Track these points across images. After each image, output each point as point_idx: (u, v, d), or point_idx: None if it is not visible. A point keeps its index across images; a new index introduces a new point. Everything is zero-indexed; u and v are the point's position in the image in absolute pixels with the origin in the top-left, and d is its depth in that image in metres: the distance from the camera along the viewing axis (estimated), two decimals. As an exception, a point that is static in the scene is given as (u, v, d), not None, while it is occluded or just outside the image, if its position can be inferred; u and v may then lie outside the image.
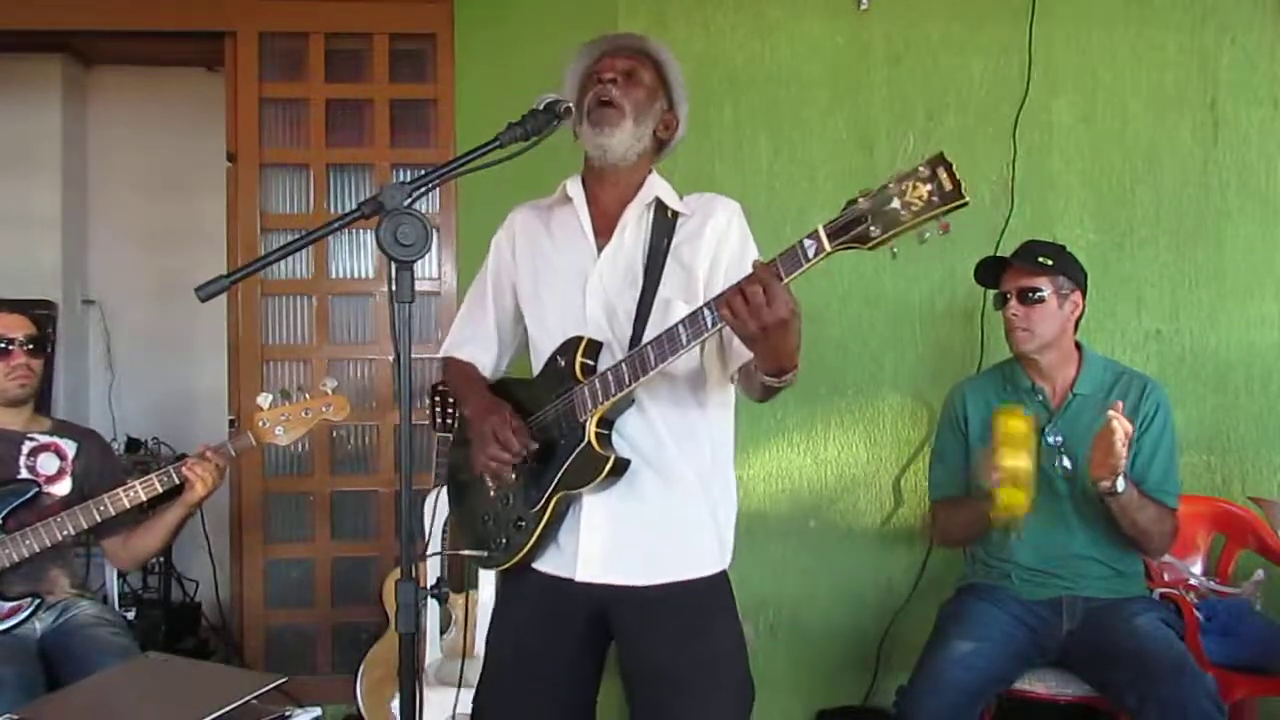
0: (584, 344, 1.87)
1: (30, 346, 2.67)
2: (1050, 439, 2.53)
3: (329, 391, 2.61)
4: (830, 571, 3.27)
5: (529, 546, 1.90)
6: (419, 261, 1.58)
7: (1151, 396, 2.54)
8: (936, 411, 2.87)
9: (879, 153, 3.31)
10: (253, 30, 3.51)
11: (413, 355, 1.62)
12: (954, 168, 1.48)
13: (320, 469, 3.57)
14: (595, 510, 1.88)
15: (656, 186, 1.95)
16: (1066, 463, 2.52)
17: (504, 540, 1.94)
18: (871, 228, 1.53)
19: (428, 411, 3.29)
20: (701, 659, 1.86)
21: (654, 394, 1.87)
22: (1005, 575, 2.58)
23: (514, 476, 1.90)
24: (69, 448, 2.71)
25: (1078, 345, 2.63)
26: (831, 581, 3.27)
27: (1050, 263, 2.54)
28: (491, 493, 1.95)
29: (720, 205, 1.94)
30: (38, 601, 2.55)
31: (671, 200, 1.94)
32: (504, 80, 3.33)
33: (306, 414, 2.59)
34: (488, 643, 2.00)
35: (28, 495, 2.58)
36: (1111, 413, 2.23)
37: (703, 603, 1.90)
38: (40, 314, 2.87)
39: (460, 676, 2.22)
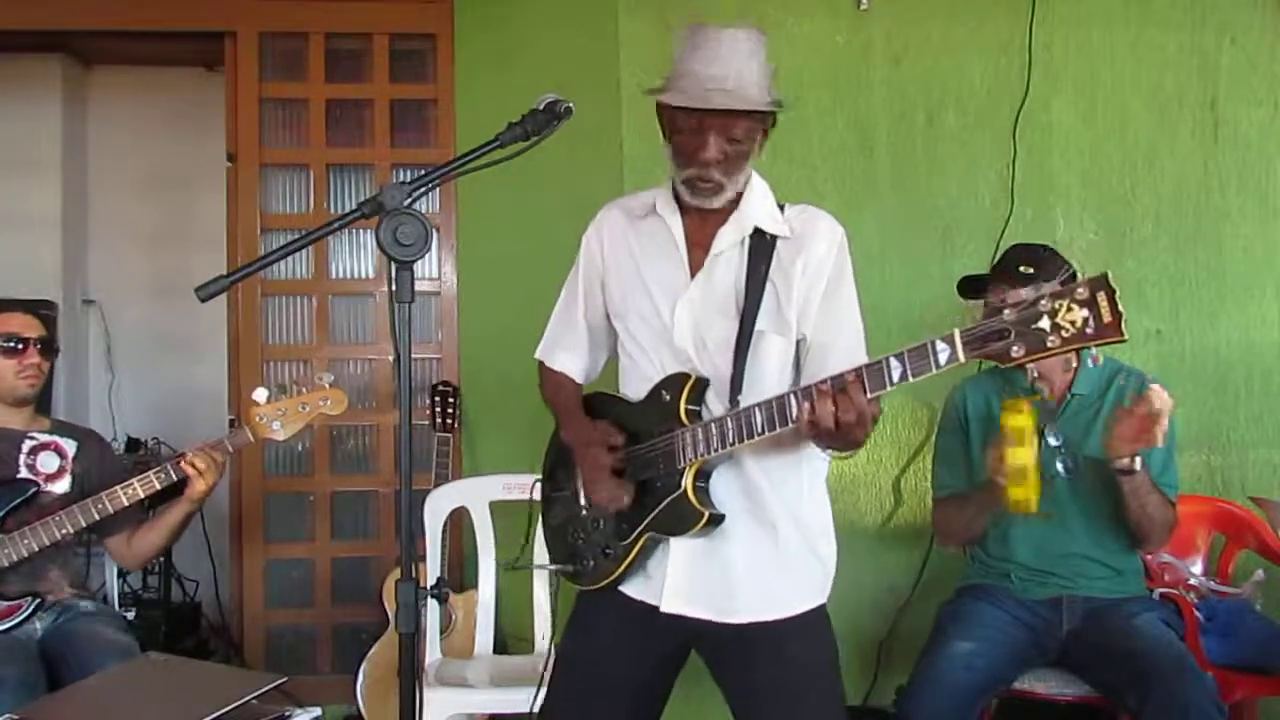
0: (691, 384, 1.79)
1: (40, 346, 2.67)
2: (1050, 440, 2.53)
3: (325, 385, 2.59)
4: (830, 571, 3.27)
5: (615, 575, 1.88)
6: (419, 261, 1.58)
7: (1149, 392, 2.54)
8: (936, 411, 2.87)
9: (879, 153, 3.32)
10: (253, 30, 3.50)
11: (413, 355, 1.62)
12: (1117, 295, 1.35)
13: (320, 469, 3.57)
14: (683, 548, 1.85)
15: (754, 210, 1.84)
16: (1067, 463, 2.52)
17: (591, 563, 1.92)
18: (1014, 347, 1.42)
19: (428, 411, 3.31)
20: (787, 678, 1.83)
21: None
22: (1005, 575, 2.58)
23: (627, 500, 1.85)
24: (69, 446, 2.71)
25: (1075, 345, 2.63)
26: (832, 581, 3.26)
27: (1031, 271, 2.51)
28: (583, 512, 1.93)
29: (822, 233, 1.84)
30: (37, 601, 2.55)
31: (770, 222, 1.84)
32: (504, 80, 3.33)
33: (303, 408, 2.57)
34: (562, 650, 1.98)
35: (26, 494, 2.58)
36: (1155, 386, 2.20)
37: (792, 631, 1.86)
38: (43, 314, 2.87)
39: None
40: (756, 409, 1.69)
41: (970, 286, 2.66)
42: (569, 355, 2.05)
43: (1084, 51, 3.31)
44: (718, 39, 1.75)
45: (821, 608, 1.91)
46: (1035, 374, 2.54)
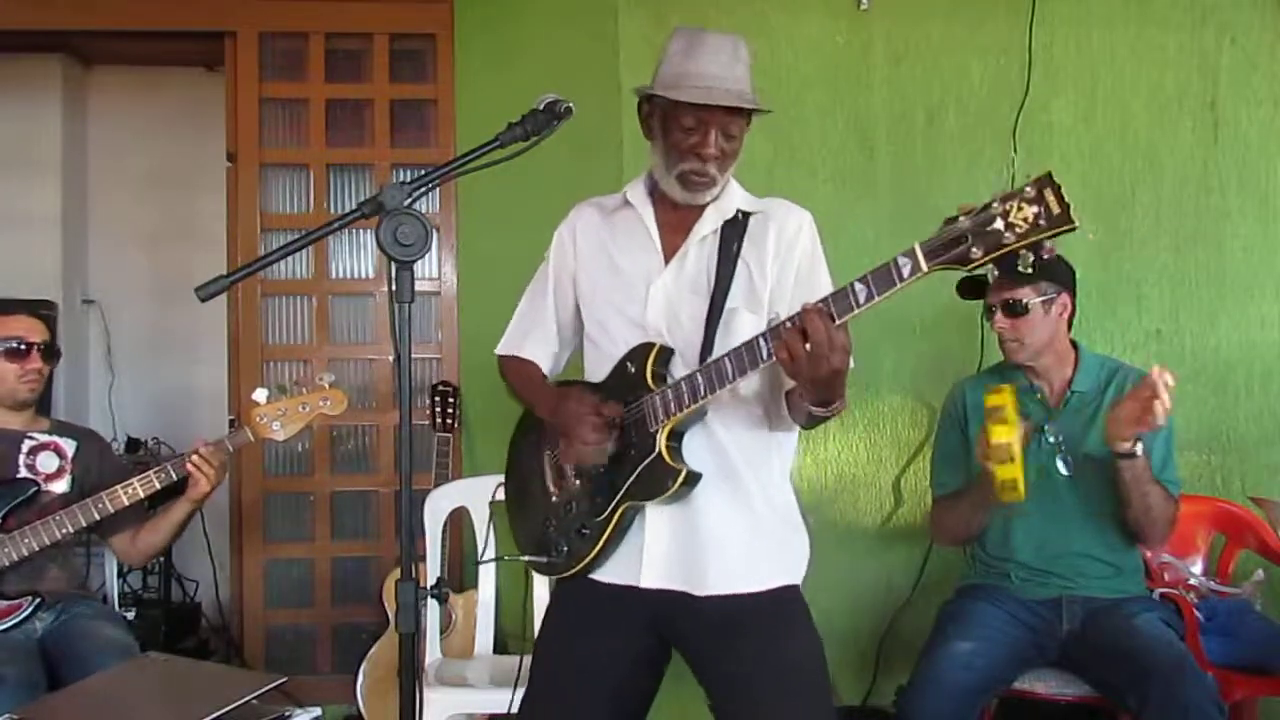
0: (655, 351, 1.82)
1: (43, 351, 2.68)
2: (1049, 438, 2.53)
3: (326, 385, 2.59)
4: (830, 571, 3.25)
5: (592, 555, 1.87)
6: (419, 261, 1.58)
7: (1148, 389, 2.53)
8: (936, 411, 2.87)
9: (879, 153, 3.32)
10: (253, 30, 3.50)
11: (413, 355, 1.62)
12: (1063, 190, 1.43)
13: (320, 469, 3.57)
14: (659, 519, 1.85)
15: (731, 200, 1.89)
16: (1067, 460, 2.52)
17: (566, 547, 1.90)
18: (973, 249, 1.49)
19: (428, 411, 3.31)
20: (774, 669, 1.82)
21: (720, 409, 1.84)
22: (1005, 575, 2.58)
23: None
24: (68, 446, 2.71)
25: (1074, 344, 2.63)
26: (831, 581, 3.26)
27: (1030, 271, 2.50)
28: (554, 497, 1.93)
29: (791, 214, 1.90)
30: (37, 601, 2.55)
31: (745, 203, 1.90)
32: (504, 80, 3.33)
33: (304, 409, 2.58)
34: (538, 648, 1.96)
35: (27, 494, 2.58)
36: (1157, 368, 2.18)
37: (773, 614, 1.86)
38: (44, 315, 2.87)
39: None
40: (725, 357, 1.72)
41: (970, 287, 2.66)
42: (538, 346, 2.06)
43: (1084, 51, 3.31)
44: (717, 44, 1.82)
45: (797, 591, 1.91)
46: (1019, 357, 2.55)
